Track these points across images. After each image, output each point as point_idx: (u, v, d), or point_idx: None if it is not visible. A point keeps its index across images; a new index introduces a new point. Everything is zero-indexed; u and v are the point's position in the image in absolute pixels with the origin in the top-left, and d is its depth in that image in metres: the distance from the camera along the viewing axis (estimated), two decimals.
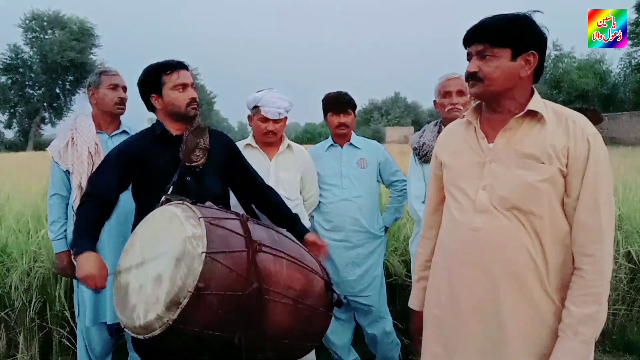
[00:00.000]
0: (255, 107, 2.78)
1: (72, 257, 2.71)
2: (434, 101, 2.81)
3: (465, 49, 1.56)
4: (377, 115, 58.55)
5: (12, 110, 47.88)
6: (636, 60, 34.70)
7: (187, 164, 2.08)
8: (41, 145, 40.52)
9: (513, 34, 1.48)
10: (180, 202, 1.75)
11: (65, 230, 2.78)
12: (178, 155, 2.09)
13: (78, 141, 2.71)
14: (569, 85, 36.06)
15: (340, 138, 3.06)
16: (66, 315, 3.26)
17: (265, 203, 2.33)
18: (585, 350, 1.43)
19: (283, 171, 2.84)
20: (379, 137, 40.02)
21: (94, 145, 2.70)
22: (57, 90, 49.27)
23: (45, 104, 48.60)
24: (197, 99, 2.16)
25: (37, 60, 46.89)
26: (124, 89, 2.83)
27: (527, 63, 1.50)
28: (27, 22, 47.15)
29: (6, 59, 46.64)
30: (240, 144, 2.90)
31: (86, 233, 1.95)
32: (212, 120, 69.56)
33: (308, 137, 43.66)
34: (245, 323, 1.57)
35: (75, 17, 48.55)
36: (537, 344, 1.48)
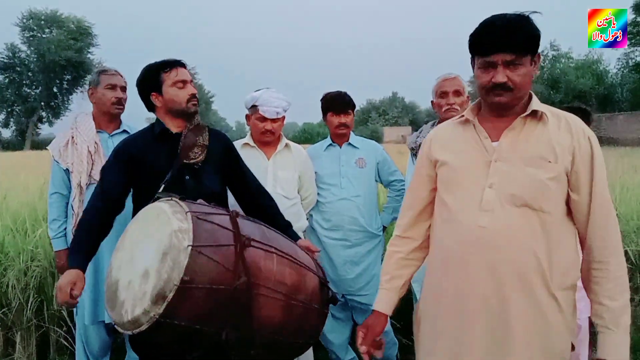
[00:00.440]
0: (253, 106, 2.78)
1: None
2: (431, 101, 2.82)
3: (482, 56, 1.52)
4: (374, 115, 58.64)
5: (9, 109, 47.78)
6: (634, 61, 34.83)
7: (185, 161, 2.08)
8: (38, 145, 40.48)
9: (534, 40, 1.49)
10: (169, 198, 1.75)
11: (65, 229, 2.78)
12: (177, 152, 2.10)
13: (78, 140, 2.71)
14: (567, 85, 36.19)
15: (340, 138, 3.06)
16: (63, 315, 3.25)
17: (258, 207, 2.32)
18: (628, 337, 1.50)
19: (281, 170, 2.84)
20: (377, 137, 40.07)
21: (93, 144, 2.71)
22: (55, 90, 49.17)
23: (42, 103, 48.50)
24: (197, 95, 2.16)
25: (35, 59, 46.78)
26: (123, 89, 2.83)
27: (535, 65, 1.53)
28: (25, 20, 47.03)
29: (3, 58, 46.53)
30: (238, 143, 2.90)
31: (82, 246, 1.97)
32: (210, 120, 69.58)
33: (306, 136, 43.71)
34: (233, 318, 1.56)
35: (73, 16, 48.47)
36: (541, 342, 1.50)
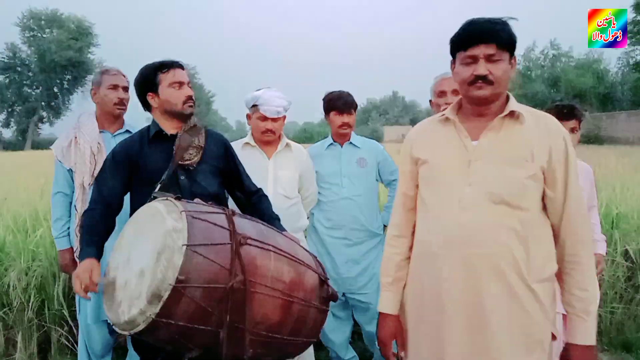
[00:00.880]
0: (254, 105, 2.78)
1: (75, 253, 2.74)
2: (430, 101, 2.82)
3: (462, 51, 1.58)
4: (375, 115, 58.64)
5: (10, 110, 47.79)
6: (634, 60, 34.77)
7: (180, 162, 2.08)
8: (39, 145, 40.52)
9: (513, 38, 1.56)
10: (165, 198, 1.75)
11: (68, 228, 2.78)
12: (172, 154, 2.10)
13: (81, 140, 2.72)
14: (567, 84, 36.19)
15: (341, 137, 3.06)
16: (64, 315, 3.26)
17: (251, 205, 2.33)
18: (595, 323, 1.59)
19: (281, 170, 2.84)
20: (377, 136, 40.04)
21: (96, 144, 2.71)
22: (55, 90, 49.16)
23: (43, 103, 48.51)
24: (194, 97, 2.17)
25: (35, 59, 46.78)
26: (125, 89, 2.82)
27: (513, 67, 1.60)
28: (25, 20, 47.03)
29: (4, 58, 46.53)
30: (238, 143, 2.90)
31: (91, 241, 1.96)
32: (211, 120, 69.52)
33: (306, 136, 43.68)
34: (230, 317, 1.55)
35: (73, 15, 48.45)
36: (521, 333, 1.55)
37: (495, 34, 1.52)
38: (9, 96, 46.84)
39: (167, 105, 2.13)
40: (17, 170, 10.61)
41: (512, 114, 1.58)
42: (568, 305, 1.61)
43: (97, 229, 1.99)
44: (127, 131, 2.82)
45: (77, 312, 2.89)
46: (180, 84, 2.13)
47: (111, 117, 2.82)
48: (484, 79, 1.54)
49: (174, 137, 2.14)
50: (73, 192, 2.75)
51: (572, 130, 2.71)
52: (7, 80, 46.88)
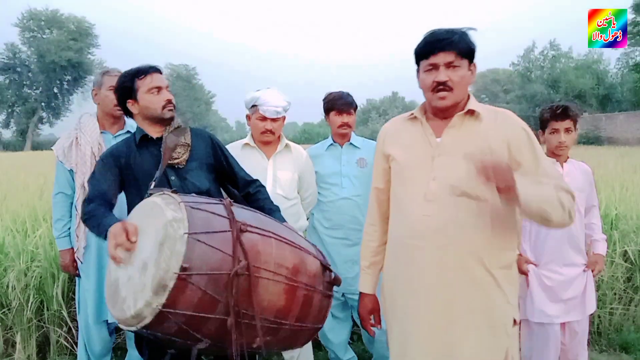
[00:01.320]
0: (254, 106, 2.78)
1: (75, 253, 2.74)
2: None
3: (424, 59, 1.71)
4: (375, 115, 58.60)
5: (9, 110, 47.80)
6: (634, 60, 34.77)
7: (169, 162, 2.09)
8: (39, 145, 40.50)
9: (471, 46, 1.70)
10: (161, 192, 1.76)
11: (69, 229, 2.78)
12: (161, 155, 2.10)
13: (82, 141, 2.72)
14: (567, 84, 36.20)
15: (341, 138, 3.07)
16: (63, 315, 3.26)
17: (247, 196, 2.32)
18: (540, 193, 1.58)
19: (281, 170, 2.84)
20: (377, 137, 39.83)
21: (97, 145, 2.71)
22: (55, 90, 49.19)
23: (43, 104, 48.52)
24: (173, 101, 2.15)
25: (35, 59, 46.80)
26: None
27: (472, 74, 1.73)
28: (25, 21, 47.05)
29: (3, 58, 46.55)
30: (238, 144, 2.91)
31: (105, 214, 1.93)
32: (211, 120, 69.53)
33: (306, 137, 43.69)
34: (236, 304, 1.55)
35: (73, 16, 48.48)
36: (482, 318, 1.67)
37: (453, 43, 1.65)
38: (9, 97, 46.87)
39: (147, 110, 2.13)
40: (17, 171, 10.61)
41: (471, 112, 1.72)
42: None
43: (102, 209, 1.97)
44: (128, 132, 2.82)
45: (77, 312, 2.89)
46: (159, 88, 2.13)
47: (112, 118, 2.83)
48: (444, 85, 1.67)
49: (160, 139, 2.15)
50: (74, 192, 2.76)
51: (567, 130, 2.70)
52: (7, 81, 46.92)
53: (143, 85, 2.12)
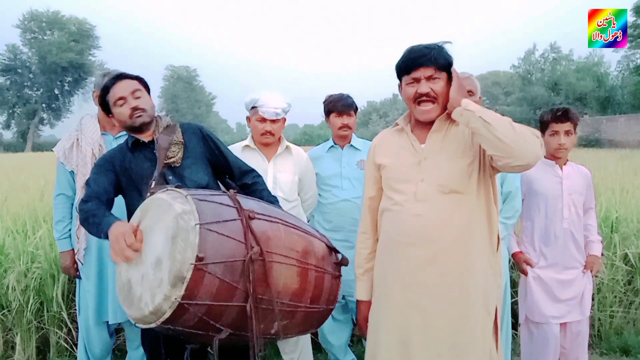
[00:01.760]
0: (253, 107, 2.79)
1: (76, 254, 2.74)
2: None
3: (405, 75, 1.84)
4: (375, 117, 58.59)
5: (10, 111, 47.86)
6: (634, 63, 34.81)
7: (165, 161, 2.09)
8: (39, 146, 40.52)
9: (448, 59, 1.82)
10: (164, 189, 1.77)
11: (70, 230, 2.78)
12: (156, 157, 2.11)
13: (82, 142, 2.72)
14: (567, 87, 36.20)
15: (342, 139, 3.07)
16: (63, 316, 3.25)
17: (245, 186, 2.32)
18: (489, 116, 1.67)
19: (281, 172, 2.84)
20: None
21: (98, 146, 2.71)
22: (56, 92, 49.27)
23: (43, 105, 48.60)
24: (140, 106, 2.11)
25: (36, 61, 46.88)
26: None
27: (448, 84, 1.83)
28: (26, 22, 47.15)
29: (4, 59, 46.64)
30: (238, 146, 2.91)
31: (105, 213, 1.93)
32: (211, 122, 69.61)
33: (306, 138, 43.66)
34: (254, 289, 1.57)
35: (74, 17, 48.59)
36: (477, 302, 1.80)
37: (432, 58, 1.78)
38: (10, 98, 46.94)
39: (121, 122, 2.16)
40: (17, 172, 10.62)
41: (450, 117, 1.83)
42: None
43: (101, 209, 1.97)
44: None
45: (77, 313, 2.89)
46: (122, 99, 2.13)
47: (116, 115, 2.82)
48: (427, 95, 1.81)
49: (151, 142, 2.16)
50: (75, 194, 2.76)
51: (567, 133, 2.71)
52: (7, 82, 46.99)
53: (111, 99, 2.15)
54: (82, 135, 2.74)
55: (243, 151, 2.84)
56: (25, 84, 47.91)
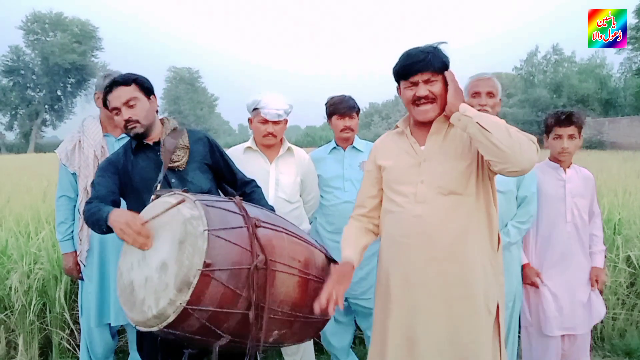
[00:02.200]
0: (255, 109, 2.79)
1: (78, 256, 2.74)
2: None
3: (405, 79, 1.88)
4: (377, 119, 58.54)
5: (13, 112, 47.97)
6: (636, 65, 34.71)
7: (169, 165, 2.09)
8: (42, 148, 40.55)
9: (445, 61, 1.86)
10: (172, 193, 1.77)
11: (72, 232, 2.78)
12: (160, 159, 2.11)
13: (84, 144, 2.71)
14: (569, 89, 36.09)
15: (344, 141, 3.06)
16: (66, 317, 3.26)
17: (244, 195, 2.33)
18: (489, 122, 1.71)
19: (283, 174, 2.84)
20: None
21: (100, 148, 2.71)
22: (59, 93, 49.36)
23: (46, 106, 48.68)
24: (133, 117, 2.10)
25: (39, 62, 46.98)
26: None
27: (446, 84, 1.86)
28: (29, 24, 47.26)
29: (7, 61, 46.75)
30: (240, 147, 2.91)
31: (100, 207, 1.90)
32: (213, 123, 69.59)
33: (309, 140, 43.65)
34: (256, 297, 1.58)
35: (77, 19, 48.66)
36: (478, 300, 1.83)
37: (428, 63, 1.82)
38: (13, 99, 47.03)
39: (121, 129, 2.16)
40: (20, 173, 10.63)
41: (448, 119, 1.85)
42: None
43: (101, 204, 1.95)
44: None
45: (80, 315, 2.89)
46: (116, 109, 2.12)
47: (114, 121, 2.81)
48: (425, 98, 1.85)
49: (156, 144, 2.15)
50: (77, 195, 2.75)
51: (570, 137, 2.69)
52: (10, 83, 47.10)
53: (109, 106, 2.14)
54: (84, 137, 2.74)
55: (245, 153, 2.84)
56: (28, 85, 48.00)
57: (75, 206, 2.77)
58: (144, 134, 2.14)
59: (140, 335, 2.12)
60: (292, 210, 2.81)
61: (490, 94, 2.62)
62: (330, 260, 1.95)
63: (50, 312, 3.29)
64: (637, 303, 3.75)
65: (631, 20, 30.33)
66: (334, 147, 3.10)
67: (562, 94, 36.22)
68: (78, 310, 2.98)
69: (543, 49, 41.65)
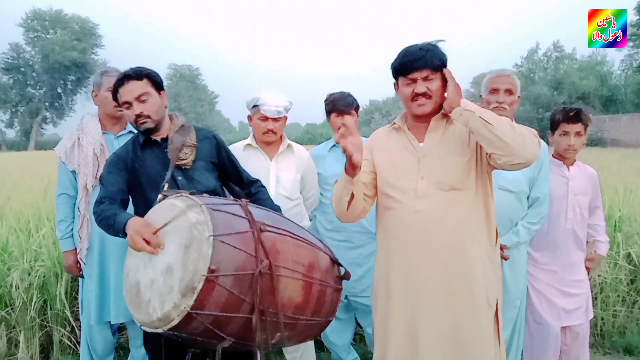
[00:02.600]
0: (255, 106, 2.79)
1: (78, 254, 2.74)
2: (480, 95, 2.74)
3: (402, 76, 1.90)
4: (378, 116, 58.53)
5: (13, 110, 47.88)
6: (637, 62, 34.66)
7: (176, 162, 2.09)
8: (42, 145, 40.57)
9: (443, 58, 1.87)
10: (178, 194, 1.77)
11: (72, 230, 2.78)
12: (167, 156, 2.10)
13: (84, 142, 2.70)
14: (570, 86, 36.06)
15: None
16: (67, 315, 3.27)
17: (250, 195, 2.33)
18: (485, 115, 1.73)
19: (283, 171, 2.84)
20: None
21: (99, 145, 2.70)
22: (59, 90, 49.27)
23: (46, 104, 48.59)
24: (144, 113, 2.09)
25: (39, 59, 46.87)
26: None
27: (443, 82, 1.88)
28: (29, 21, 47.13)
29: (7, 58, 46.63)
30: (240, 144, 2.91)
31: (120, 210, 1.94)
32: (214, 121, 69.59)
33: (309, 137, 43.62)
34: (260, 302, 1.59)
35: (77, 16, 48.55)
36: (479, 294, 1.85)
37: (427, 61, 1.83)
38: (13, 96, 46.93)
39: (130, 124, 2.15)
40: (21, 171, 10.62)
41: (445, 115, 1.90)
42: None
43: (114, 206, 1.97)
44: (131, 132, 2.80)
45: (80, 312, 2.89)
46: (127, 103, 2.10)
47: (113, 118, 2.81)
48: (423, 95, 1.87)
49: (164, 140, 2.15)
50: (77, 193, 2.75)
51: (577, 134, 2.69)
52: (10, 81, 46.99)
53: (119, 99, 2.12)
54: (83, 135, 2.73)
55: (245, 150, 2.84)
56: (28, 82, 47.89)
57: (75, 204, 2.76)
58: (154, 129, 2.14)
59: (146, 333, 2.12)
60: (292, 207, 2.81)
61: (508, 91, 2.57)
62: (335, 262, 1.94)
63: (51, 309, 3.30)
64: (638, 300, 3.76)
65: (631, 17, 30.27)
66: (334, 145, 3.08)
67: (562, 91, 36.20)
68: (79, 307, 2.98)
69: (544, 46, 41.70)
